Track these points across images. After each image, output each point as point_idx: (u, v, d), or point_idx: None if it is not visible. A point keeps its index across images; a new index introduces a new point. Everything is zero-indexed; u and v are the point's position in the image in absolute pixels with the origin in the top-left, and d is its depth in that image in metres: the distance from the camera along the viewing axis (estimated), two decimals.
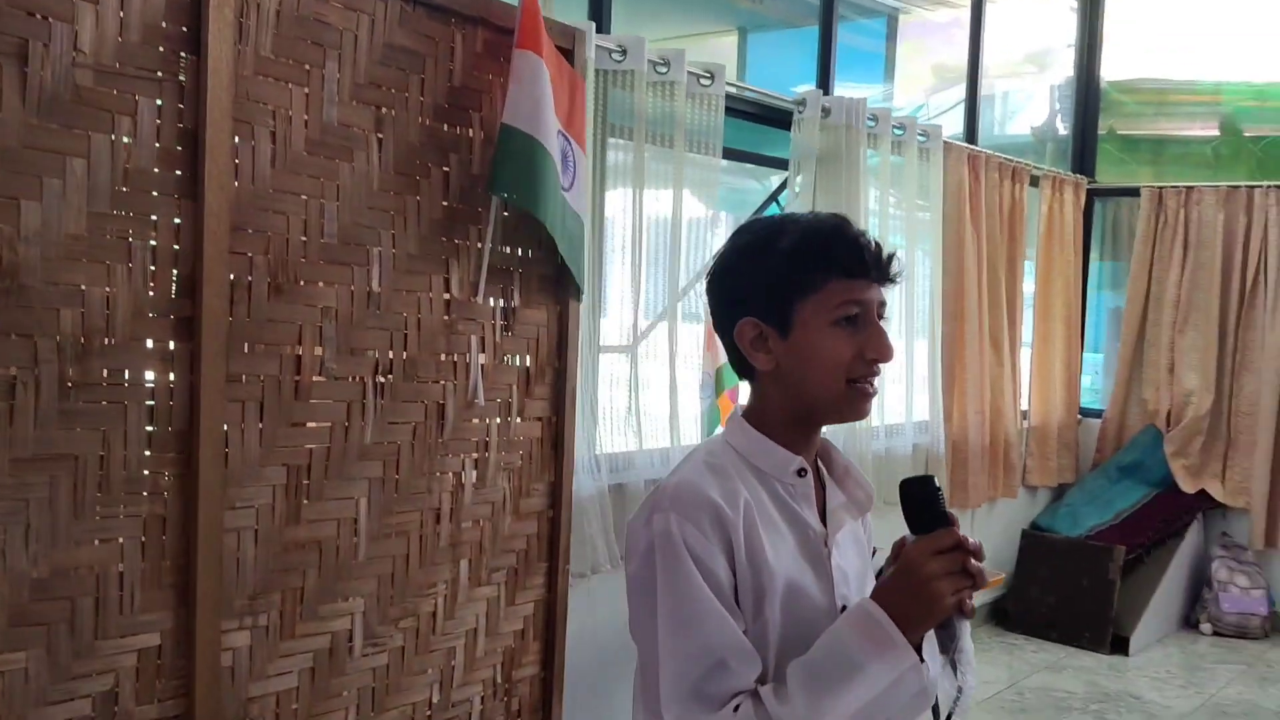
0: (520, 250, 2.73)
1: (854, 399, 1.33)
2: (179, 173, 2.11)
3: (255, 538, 2.28)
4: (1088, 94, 6.11)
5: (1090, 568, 5.20)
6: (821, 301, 1.30)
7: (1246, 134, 5.91)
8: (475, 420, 2.65)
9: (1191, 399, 5.58)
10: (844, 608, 1.35)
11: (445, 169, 2.56)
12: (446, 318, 2.58)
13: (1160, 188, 5.72)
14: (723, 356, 4.06)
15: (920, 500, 1.27)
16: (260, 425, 2.27)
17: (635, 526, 1.31)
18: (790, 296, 1.31)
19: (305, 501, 2.35)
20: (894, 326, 4.69)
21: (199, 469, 2.15)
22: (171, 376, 2.14)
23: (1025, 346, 5.62)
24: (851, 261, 1.30)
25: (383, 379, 2.46)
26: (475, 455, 2.65)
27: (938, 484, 1.28)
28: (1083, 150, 6.11)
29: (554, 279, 2.80)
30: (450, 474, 2.60)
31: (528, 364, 2.76)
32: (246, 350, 2.24)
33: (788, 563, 1.29)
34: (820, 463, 1.44)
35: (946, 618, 1.25)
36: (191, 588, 2.17)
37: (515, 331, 2.72)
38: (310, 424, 2.35)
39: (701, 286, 6.11)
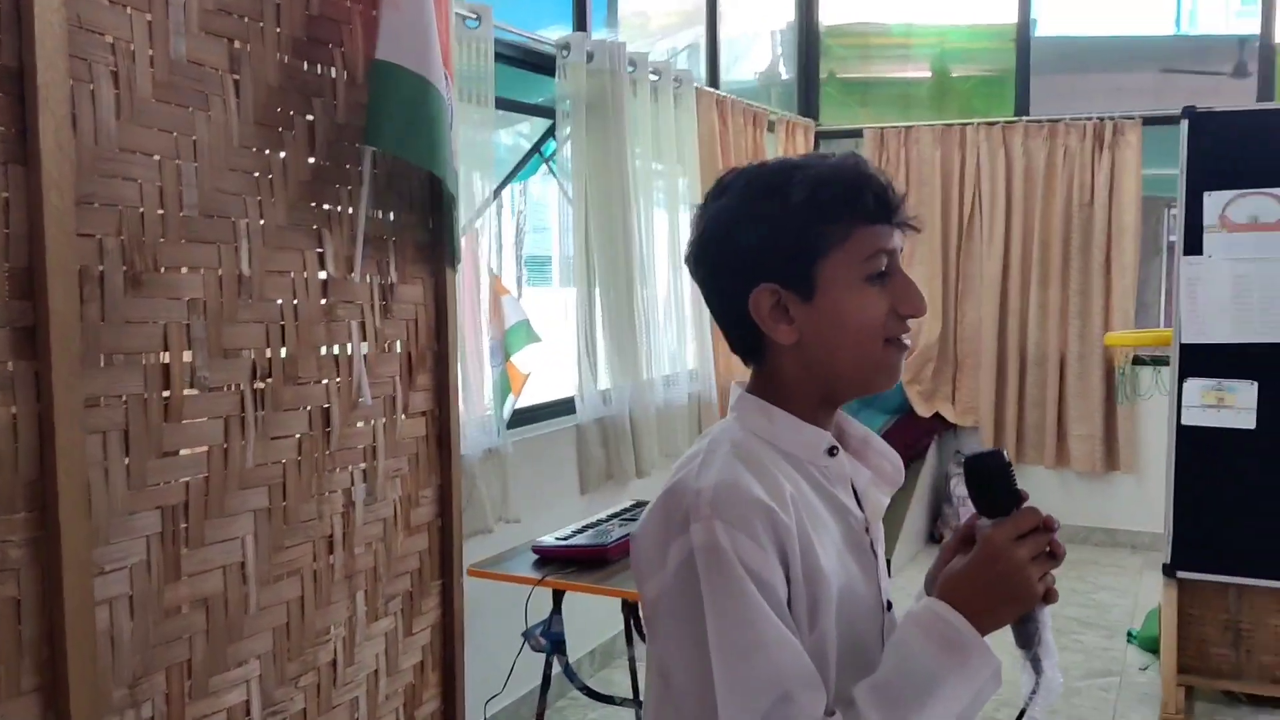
0: (392, 214, 2.28)
1: (891, 362, 1.12)
2: (0, 129, 1.53)
3: (130, 607, 1.75)
4: (808, 39, 6.24)
5: None
6: (849, 255, 1.09)
7: (955, 74, 6.27)
8: (360, 423, 2.20)
9: (922, 328, 5.90)
10: (889, 604, 1.19)
11: (309, 117, 2.07)
12: (324, 301, 2.11)
13: (882, 128, 5.95)
14: (510, 319, 3.83)
15: (993, 477, 1.09)
16: (126, 460, 1.73)
17: (657, 538, 1.07)
18: (813, 253, 1.09)
19: (184, 550, 1.83)
20: (661, 276, 4.59)
21: (60, 530, 1.60)
22: (13, 410, 1.56)
23: None
24: (878, 206, 1.09)
25: (261, 384, 1.97)
26: (364, 465, 2.20)
27: (1008, 457, 1.11)
28: (808, 94, 6.24)
29: (429, 246, 2.37)
30: (339, 492, 2.15)
31: (410, 350, 2.32)
32: (103, 364, 1.69)
33: (836, 563, 1.10)
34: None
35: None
36: (61, 688, 1.62)
37: (394, 312, 2.28)
38: (184, 451, 1.83)
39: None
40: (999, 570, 1.06)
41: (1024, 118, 5.79)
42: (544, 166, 4.49)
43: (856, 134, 6.06)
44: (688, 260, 1.19)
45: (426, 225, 2.33)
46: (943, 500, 5.92)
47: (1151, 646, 4.20)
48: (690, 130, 4.68)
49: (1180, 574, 3.89)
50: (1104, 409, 5.62)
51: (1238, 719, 3.76)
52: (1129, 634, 4.49)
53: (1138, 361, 5.48)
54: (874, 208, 1.09)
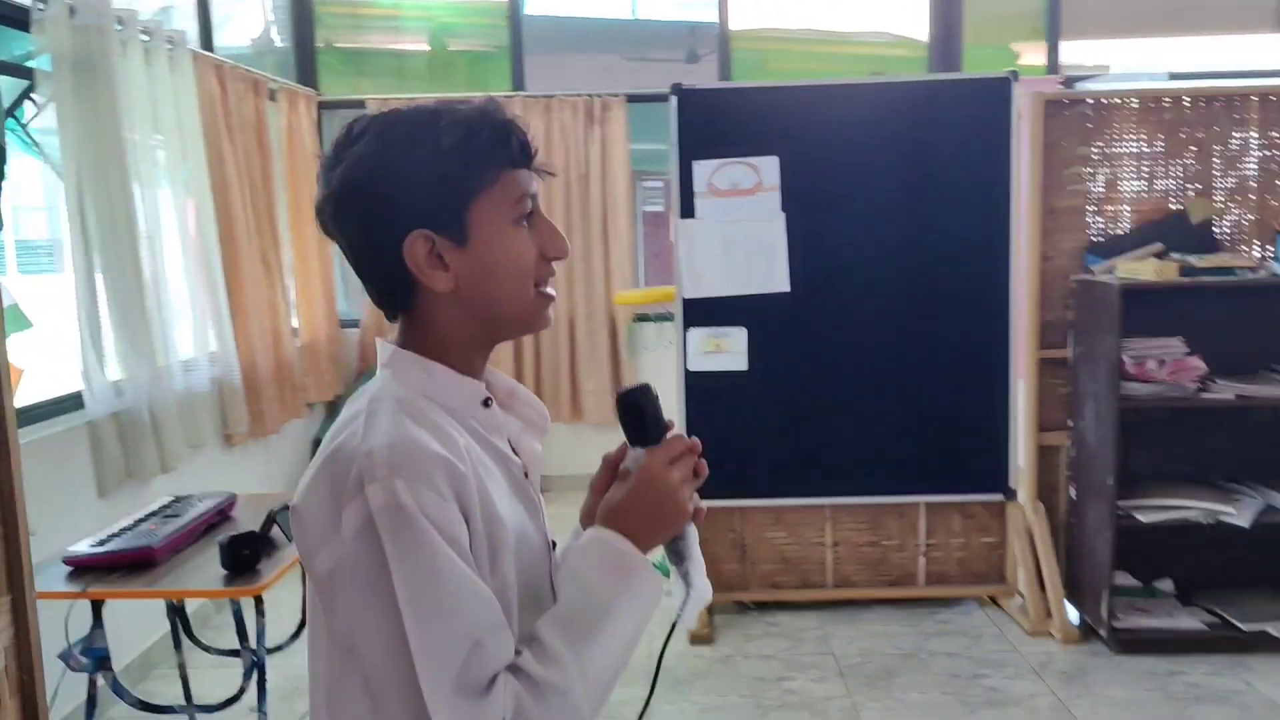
0: None
1: (542, 305, 1.18)
2: None
3: None
4: (300, 5, 6.03)
5: None
6: (499, 199, 1.11)
7: (453, 48, 6.37)
8: None
9: None
10: (553, 544, 1.27)
11: None
12: None
13: (385, 99, 5.92)
14: None
15: (643, 409, 1.20)
16: None
17: (325, 506, 1.05)
18: (465, 197, 1.10)
19: None
20: (173, 255, 4.27)
21: None
22: None
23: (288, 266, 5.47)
24: (522, 150, 1.14)
25: None
26: None
27: (655, 391, 1.22)
28: (305, 63, 6.04)
29: None
30: None
31: None
32: None
33: (508, 508, 1.15)
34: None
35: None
36: None
37: None
38: None
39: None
40: (656, 494, 1.15)
41: (521, 93, 6.05)
42: (18, 135, 3.97)
43: (360, 105, 5.98)
44: (321, 214, 1.14)
45: None
46: None
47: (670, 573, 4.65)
48: (189, 98, 4.37)
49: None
50: (611, 365, 6.08)
51: (748, 623, 4.28)
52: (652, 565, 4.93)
53: (641, 319, 5.99)
54: (518, 152, 1.12)
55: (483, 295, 1.13)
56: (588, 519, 1.26)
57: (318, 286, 5.71)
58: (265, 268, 5.02)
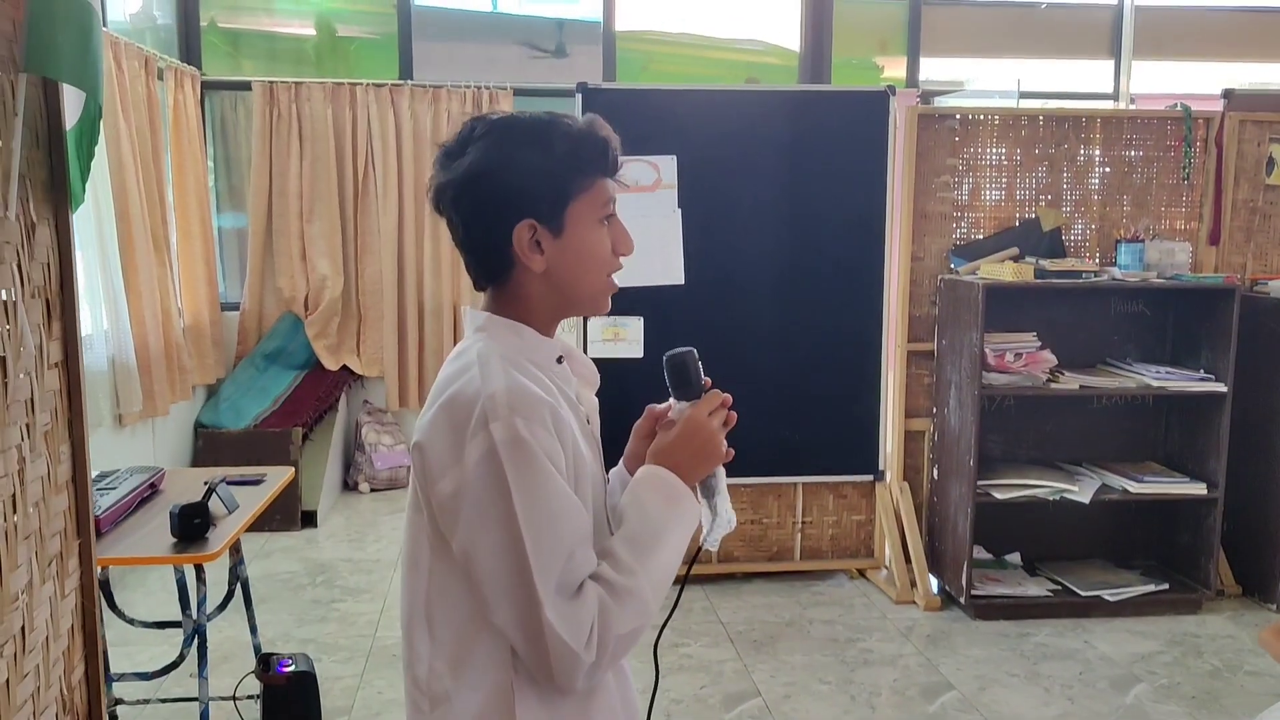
0: (21, 146, 1.96)
1: (609, 292, 1.42)
2: None
3: None
4: None
5: (273, 452, 5.38)
6: (592, 201, 1.34)
7: (340, 34, 6.38)
8: (22, 375, 1.91)
9: (326, 283, 6.03)
10: (608, 480, 1.51)
11: None
12: None
13: (271, 82, 5.92)
14: None
15: (688, 369, 1.44)
16: None
17: (449, 441, 1.26)
18: (567, 198, 1.33)
19: None
20: (80, 235, 4.23)
21: None
22: None
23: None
24: (614, 161, 1.38)
25: None
26: (27, 420, 1.92)
27: (697, 355, 1.45)
28: (189, 41, 5.97)
29: (50, 183, 2.06)
30: (13, 449, 1.86)
31: (46, 296, 2.03)
32: None
33: (583, 447, 1.38)
34: None
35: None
36: None
37: (35, 255, 1.98)
38: None
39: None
40: (701, 438, 1.40)
41: (409, 81, 6.13)
42: None
43: (245, 86, 5.96)
44: (440, 197, 1.34)
45: (49, 160, 2.03)
46: (354, 449, 6.14)
47: None
48: None
49: None
50: None
51: None
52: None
53: None
54: (611, 163, 1.36)
55: (568, 278, 1.36)
56: (632, 460, 1.50)
57: (200, 268, 5.68)
58: (156, 247, 4.99)
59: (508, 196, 1.31)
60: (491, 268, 1.37)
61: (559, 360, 1.40)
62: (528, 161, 1.31)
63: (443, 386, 1.31)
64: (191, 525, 2.68)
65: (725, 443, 1.43)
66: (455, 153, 1.34)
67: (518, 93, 6.14)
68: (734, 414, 1.44)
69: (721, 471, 1.45)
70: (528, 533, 1.23)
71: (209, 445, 5.50)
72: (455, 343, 6.09)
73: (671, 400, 1.46)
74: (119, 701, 3.37)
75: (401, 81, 6.11)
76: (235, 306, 6.08)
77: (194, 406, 5.67)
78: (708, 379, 1.45)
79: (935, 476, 4.56)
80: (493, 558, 1.24)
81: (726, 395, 1.44)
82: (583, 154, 1.33)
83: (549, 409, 1.27)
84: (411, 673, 1.35)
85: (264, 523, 5.26)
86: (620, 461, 1.55)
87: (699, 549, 1.45)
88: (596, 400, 1.51)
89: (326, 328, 6.05)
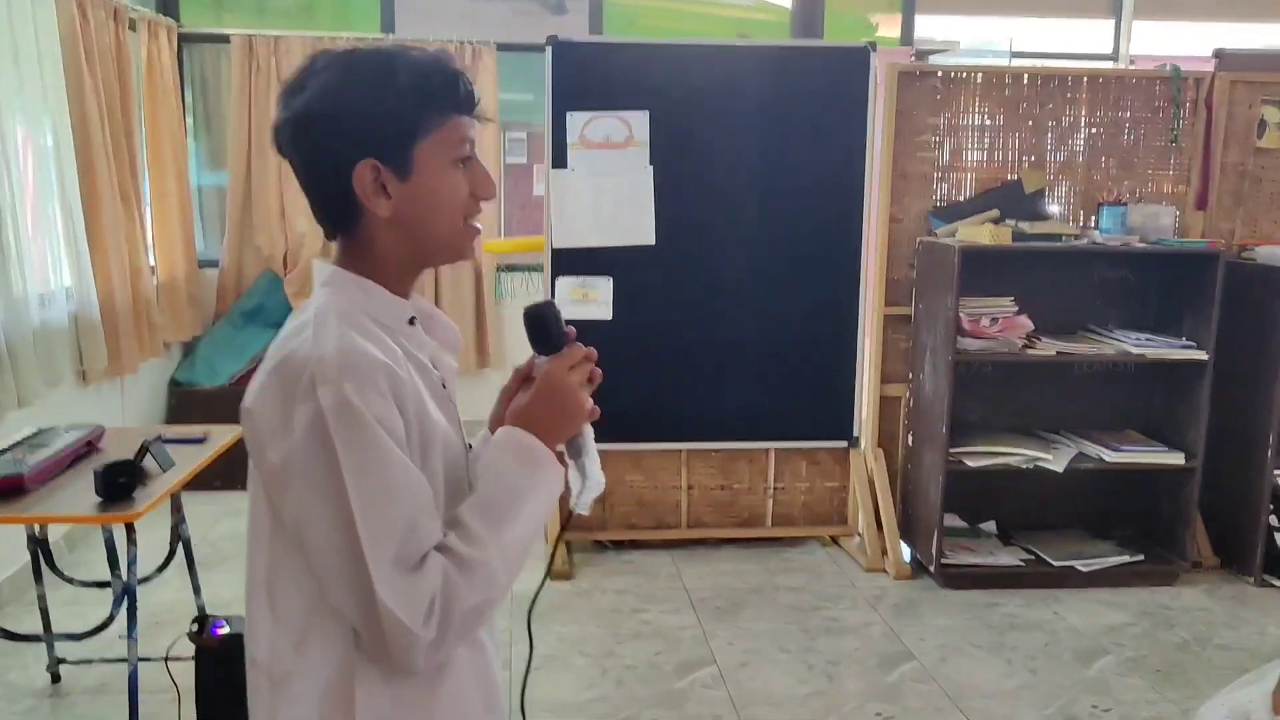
0: None
1: (469, 237, 1.32)
2: None
3: None
4: None
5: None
6: (442, 140, 1.24)
7: None
8: None
9: (305, 241, 5.94)
10: (469, 446, 1.41)
11: None
12: None
13: (251, 35, 5.81)
14: None
15: (548, 321, 1.35)
16: None
17: (278, 407, 1.17)
18: (414, 135, 1.23)
19: None
20: (28, 188, 4.17)
21: None
22: None
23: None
24: (467, 98, 1.28)
25: None
26: None
27: (557, 306, 1.36)
28: None
29: None
30: None
31: None
32: None
33: (434, 411, 1.29)
34: None
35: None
36: None
37: None
38: None
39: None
40: (560, 396, 1.31)
41: (390, 35, 6.02)
42: None
43: (223, 39, 5.85)
44: (279, 136, 1.25)
45: None
46: None
47: None
48: (50, 26, 4.24)
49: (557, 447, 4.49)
50: (475, 313, 6.16)
51: (606, 561, 4.47)
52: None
53: (507, 268, 6.09)
54: (464, 99, 1.25)
55: (418, 224, 1.26)
56: (497, 422, 1.40)
57: (176, 225, 5.60)
58: (124, 202, 4.92)
59: (347, 134, 1.21)
60: (336, 214, 1.27)
61: (411, 321, 1.31)
62: (368, 96, 1.21)
63: (277, 347, 1.22)
64: (117, 484, 2.63)
65: (590, 400, 1.34)
66: (295, 89, 1.24)
67: (501, 48, 6.02)
68: (599, 370, 1.35)
69: (589, 431, 1.36)
70: (358, 505, 1.14)
71: (183, 403, 5.45)
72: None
73: (533, 356, 1.37)
74: (61, 661, 3.34)
75: (382, 35, 6.00)
76: (215, 264, 6.01)
77: (169, 364, 5.62)
78: (571, 329, 1.35)
79: (910, 444, 4.48)
80: (323, 532, 1.16)
81: (590, 349, 1.35)
82: (429, 88, 1.22)
83: (385, 372, 1.18)
84: (251, 653, 1.27)
85: (237, 481, 5.22)
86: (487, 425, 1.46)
87: (570, 514, 1.37)
88: (456, 364, 1.43)
89: (305, 286, 5.96)
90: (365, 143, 1.21)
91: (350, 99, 1.21)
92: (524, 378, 1.38)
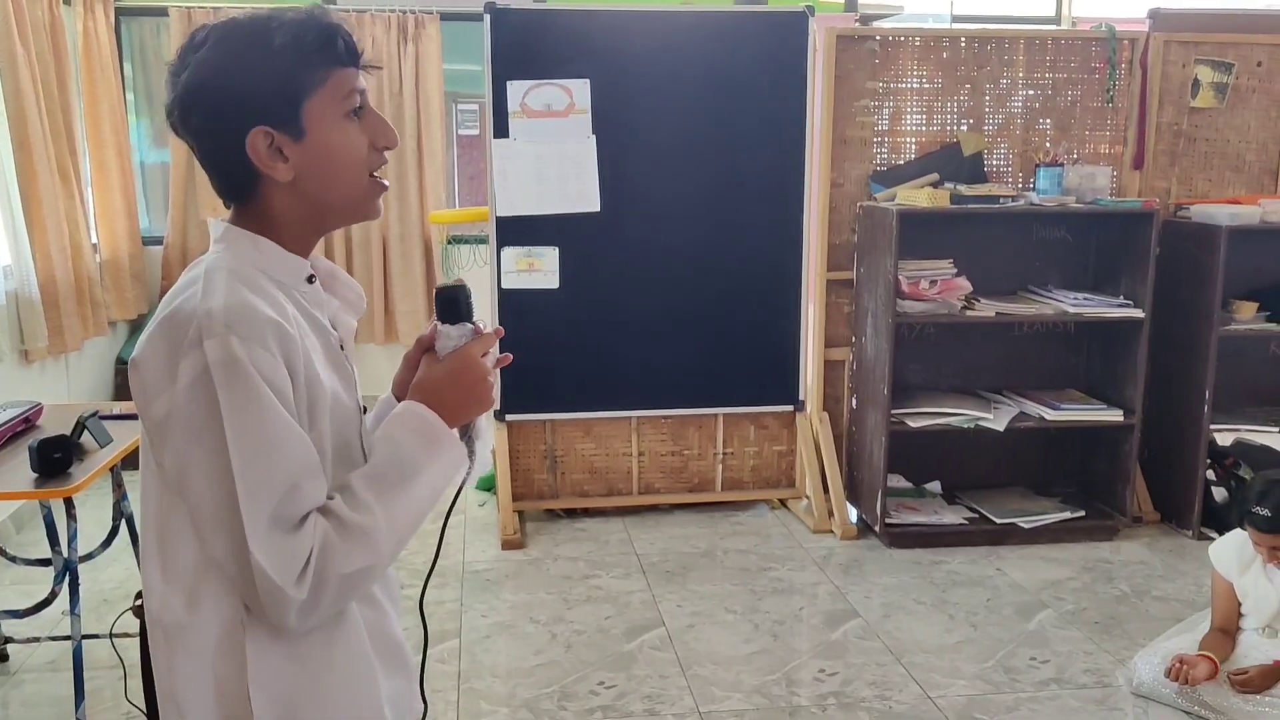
0: None
1: (375, 193, 1.32)
2: None
3: None
4: None
5: None
6: (330, 95, 1.25)
7: None
8: None
9: None
10: (365, 410, 1.42)
11: None
12: None
13: (190, 8, 5.72)
14: None
15: (459, 303, 1.36)
16: None
17: (163, 359, 1.17)
18: (299, 95, 1.23)
19: None
20: None
21: None
22: None
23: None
24: (348, 50, 1.28)
25: None
26: None
27: (469, 289, 1.38)
28: None
29: None
30: None
31: None
32: None
33: (327, 373, 1.29)
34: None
35: None
36: None
37: None
38: None
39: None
40: (471, 379, 1.32)
41: (332, 5, 5.95)
42: None
43: (162, 12, 5.76)
44: (170, 116, 1.25)
45: None
46: None
47: (486, 486, 4.82)
48: None
49: (509, 417, 4.51)
50: (425, 286, 6.13)
51: (557, 529, 4.50)
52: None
53: (456, 240, 6.06)
54: (345, 52, 1.25)
55: (320, 183, 1.26)
56: (400, 389, 1.41)
57: (119, 202, 5.53)
58: (63, 179, 4.85)
59: (233, 105, 1.21)
60: (236, 184, 1.27)
61: (310, 279, 1.31)
62: (247, 64, 1.21)
63: (166, 302, 1.23)
64: (52, 459, 2.61)
65: (495, 386, 1.36)
66: (179, 67, 1.24)
67: (444, 17, 5.97)
68: (508, 355, 1.37)
69: (486, 415, 1.39)
70: (238, 460, 1.14)
71: (129, 381, 5.40)
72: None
73: (437, 323, 1.37)
74: (9, 640, 3.33)
75: (324, 5, 5.93)
76: (160, 241, 5.94)
77: (115, 342, 5.57)
78: (482, 321, 1.36)
79: (854, 406, 4.53)
80: (203, 486, 1.16)
81: (498, 328, 1.36)
82: (306, 46, 1.22)
83: (274, 330, 1.18)
84: (148, 606, 1.28)
85: None
86: (390, 389, 1.47)
87: (459, 490, 1.38)
88: (354, 324, 1.43)
89: None
90: (253, 111, 1.22)
91: (230, 69, 1.21)
92: (426, 346, 1.38)
